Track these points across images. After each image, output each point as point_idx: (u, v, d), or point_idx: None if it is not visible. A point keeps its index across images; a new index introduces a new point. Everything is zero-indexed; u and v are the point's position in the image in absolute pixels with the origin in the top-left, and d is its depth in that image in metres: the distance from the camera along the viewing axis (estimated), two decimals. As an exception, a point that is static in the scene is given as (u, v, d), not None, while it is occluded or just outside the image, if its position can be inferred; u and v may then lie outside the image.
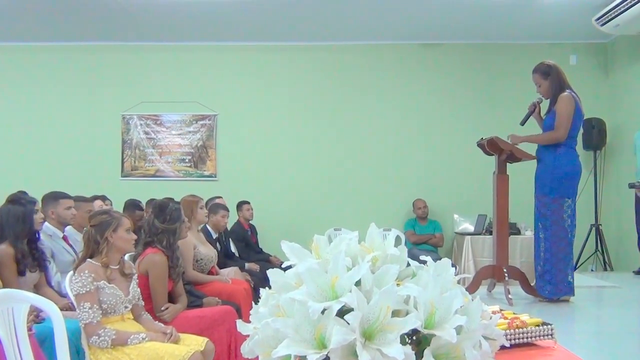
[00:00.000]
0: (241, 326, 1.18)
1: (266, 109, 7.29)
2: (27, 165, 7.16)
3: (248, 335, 1.15)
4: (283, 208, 7.12)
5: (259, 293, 4.06)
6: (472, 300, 1.09)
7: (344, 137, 7.25)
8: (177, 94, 7.23)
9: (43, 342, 2.63)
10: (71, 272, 2.73)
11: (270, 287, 1.24)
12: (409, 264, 1.17)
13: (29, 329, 2.47)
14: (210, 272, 4.14)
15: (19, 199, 3.34)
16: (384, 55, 7.26)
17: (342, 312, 0.98)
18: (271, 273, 1.17)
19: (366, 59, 7.28)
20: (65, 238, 3.86)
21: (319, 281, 1.03)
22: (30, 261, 3.24)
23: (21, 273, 3.18)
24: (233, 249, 5.71)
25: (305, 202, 7.15)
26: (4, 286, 2.97)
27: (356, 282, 1.03)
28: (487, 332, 1.09)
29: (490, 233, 5.25)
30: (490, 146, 4.37)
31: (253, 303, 1.25)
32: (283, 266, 1.17)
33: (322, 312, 0.97)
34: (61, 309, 2.55)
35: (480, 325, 1.05)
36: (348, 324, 0.95)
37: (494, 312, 1.52)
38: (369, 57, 7.28)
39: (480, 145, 4.53)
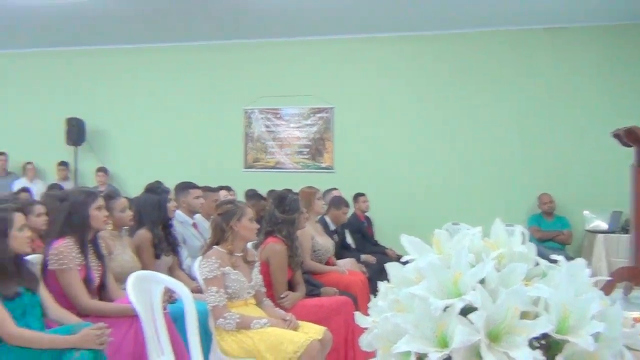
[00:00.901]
0: (359, 318, 1.18)
1: (382, 101, 7.25)
2: (162, 157, 7.77)
3: (366, 328, 1.14)
4: (399, 200, 7.06)
5: (375, 285, 4.04)
6: (612, 304, 1.00)
7: (462, 127, 7.01)
8: (295, 87, 7.43)
9: (175, 321, 2.83)
10: (200, 257, 2.91)
11: (388, 281, 1.23)
12: (537, 263, 1.09)
13: (164, 308, 2.68)
14: (327, 263, 4.21)
15: (155, 188, 3.63)
16: (504, 43, 6.89)
17: (464, 311, 0.94)
18: (390, 267, 1.15)
19: (485, 47, 6.96)
20: (194, 225, 4.13)
21: (441, 277, 1.00)
22: (165, 246, 3.52)
23: (157, 256, 3.46)
24: (349, 240, 5.76)
25: (422, 194, 7.02)
26: (143, 268, 3.25)
27: (480, 280, 0.98)
28: (630, 342, 0.99)
29: (627, 231, 4.80)
30: (629, 136, 3.98)
31: (372, 296, 1.24)
32: (402, 260, 1.14)
33: (444, 310, 0.94)
34: (191, 292, 2.75)
35: (623, 333, 0.96)
36: (472, 323, 0.91)
37: (635, 320, 1.39)
38: (488, 44, 6.95)
39: (616, 135, 4.14)
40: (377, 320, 1.06)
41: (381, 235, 6.47)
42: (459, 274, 0.98)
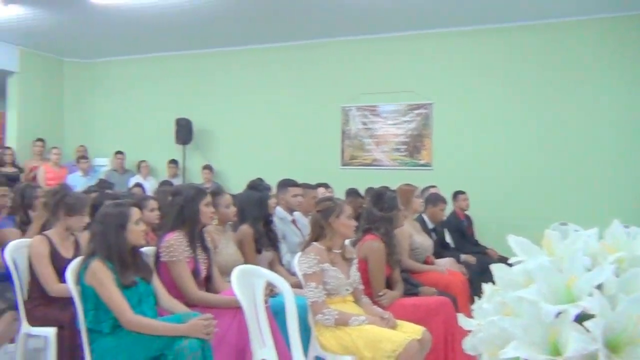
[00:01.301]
0: (463, 320, 1.15)
1: (482, 96, 7.00)
2: (262, 154, 8.04)
3: (466, 330, 1.11)
4: (501, 199, 6.78)
5: (475, 286, 3.91)
6: None
7: (568, 122, 6.59)
8: (393, 84, 7.36)
9: (276, 315, 2.91)
10: (299, 253, 2.97)
11: (493, 282, 1.19)
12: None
13: (265, 302, 2.77)
14: (425, 262, 4.13)
15: (256, 185, 3.76)
16: (607, 32, 6.39)
17: (578, 318, 0.88)
18: (496, 268, 1.11)
19: (588, 37, 6.49)
20: (294, 221, 4.22)
21: (552, 281, 0.94)
22: (266, 241, 3.63)
23: (258, 251, 3.58)
24: (448, 239, 5.62)
25: (526, 192, 6.70)
26: (245, 262, 3.38)
27: (597, 285, 0.92)
28: None
29: None
30: None
31: (476, 297, 1.20)
32: (510, 261, 1.10)
33: (556, 315, 0.89)
34: (291, 287, 2.81)
35: None
36: (588, 331, 0.85)
37: None
38: (591, 34, 6.48)
39: None
40: (482, 323, 1.02)
41: (482, 235, 6.24)
42: (574, 278, 0.92)
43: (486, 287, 1.14)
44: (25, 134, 8.61)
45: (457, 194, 6.07)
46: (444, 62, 7.21)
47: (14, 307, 3.23)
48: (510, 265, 1.11)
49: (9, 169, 7.56)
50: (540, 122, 6.72)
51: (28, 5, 6.72)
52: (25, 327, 3.17)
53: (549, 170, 6.62)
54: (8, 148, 8.06)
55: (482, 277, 4.30)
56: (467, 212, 6.15)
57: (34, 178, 7.55)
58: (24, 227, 3.81)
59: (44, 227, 3.51)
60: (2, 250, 3.34)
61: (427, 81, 7.25)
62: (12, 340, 3.72)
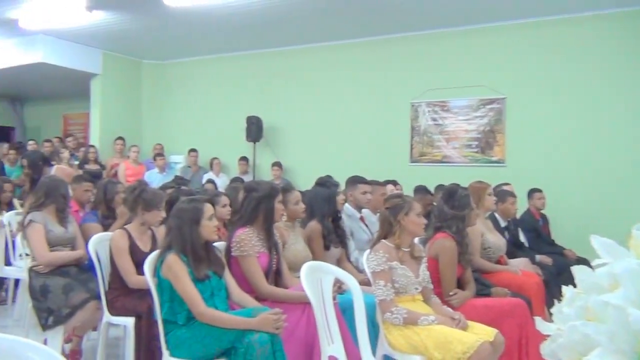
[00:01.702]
0: (541, 324, 1.09)
1: (558, 89, 6.68)
2: (331, 151, 8.07)
3: (542, 334, 1.06)
4: (580, 196, 6.46)
5: (551, 288, 3.73)
6: None
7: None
8: (464, 78, 7.18)
9: (344, 312, 2.91)
10: (368, 251, 2.95)
11: (572, 285, 1.12)
12: None
13: (333, 298, 2.77)
14: (498, 262, 4.00)
15: (325, 182, 3.77)
16: None
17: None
18: (578, 270, 1.05)
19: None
20: (362, 218, 4.21)
21: (642, 286, 0.88)
22: (334, 237, 3.64)
23: (326, 248, 3.59)
24: (522, 238, 5.41)
25: (607, 190, 6.34)
26: (313, 258, 3.40)
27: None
28: None
29: None
30: None
31: (552, 300, 1.15)
32: (593, 264, 1.03)
33: (646, 323, 0.83)
34: (359, 284, 2.80)
35: None
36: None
37: None
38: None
39: None
40: (562, 328, 0.97)
41: (558, 235, 5.97)
42: (665, 283, 0.85)
43: (566, 290, 1.08)
44: (107, 132, 9.10)
45: (532, 192, 5.82)
46: (516, 55, 6.94)
47: (97, 297, 3.41)
48: (592, 267, 1.05)
49: (92, 166, 8.02)
50: (622, 115, 6.34)
51: (110, 11, 7.08)
52: (107, 316, 3.34)
53: (632, 166, 6.23)
54: (92, 146, 8.55)
55: (559, 279, 4.16)
56: (542, 211, 5.90)
57: (115, 175, 7.96)
58: (105, 221, 4.02)
59: (124, 222, 3.69)
60: (87, 243, 3.54)
61: (499, 75, 7.01)
62: (94, 328, 3.95)
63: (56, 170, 5.28)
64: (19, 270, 4.22)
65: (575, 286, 1.10)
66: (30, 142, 8.94)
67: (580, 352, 0.90)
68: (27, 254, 3.90)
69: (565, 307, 1.03)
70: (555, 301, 1.13)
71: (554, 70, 6.71)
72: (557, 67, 6.69)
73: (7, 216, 4.78)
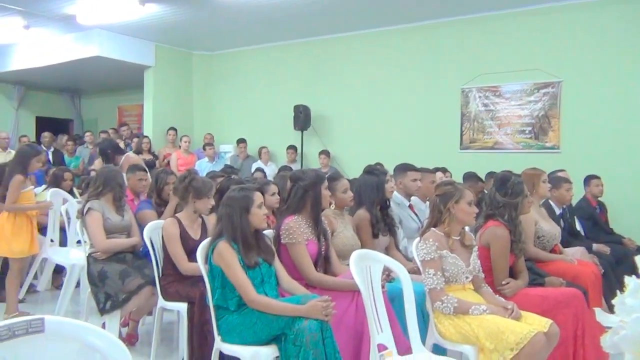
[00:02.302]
0: (601, 316, 1.05)
1: (617, 72, 6.40)
2: (379, 138, 8.01)
3: (599, 325, 1.02)
4: (639, 184, 6.17)
5: (608, 278, 3.60)
6: None
7: None
8: (517, 62, 6.96)
9: (393, 300, 2.90)
10: (418, 239, 2.92)
11: (635, 275, 1.07)
12: None
13: (382, 287, 2.76)
14: (552, 251, 3.88)
15: (373, 170, 3.74)
16: None
17: None
18: (642, 260, 1.00)
19: None
20: (411, 207, 4.16)
21: None
22: (382, 226, 3.61)
23: (375, 236, 3.57)
24: (578, 227, 5.23)
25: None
26: (362, 246, 3.39)
27: None
28: None
29: None
30: None
31: (614, 291, 1.10)
32: (659, 254, 0.98)
33: None
34: (408, 272, 2.77)
35: None
36: None
37: None
38: None
39: None
40: (625, 320, 0.93)
41: (617, 223, 5.74)
42: None
43: (629, 281, 1.03)
44: (160, 123, 9.34)
45: (589, 179, 5.61)
46: (572, 37, 6.67)
47: (152, 283, 3.52)
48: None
49: (146, 156, 8.25)
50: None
51: (162, 4, 7.24)
52: (161, 302, 3.44)
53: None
54: (145, 137, 8.80)
55: (617, 269, 4.00)
56: (600, 199, 5.67)
57: (168, 164, 8.18)
58: (158, 209, 4.13)
59: (175, 210, 3.78)
60: (142, 230, 3.66)
61: (554, 58, 6.76)
62: (150, 313, 4.08)
63: (125, 158, 5.48)
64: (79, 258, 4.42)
65: (637, 276, 1.05)
66: (87, 134, 9.29)
67: (644, 345, 0.86)
68: (85, 241, 4.05)
69: (629, 298, 0.98)
70: (616, 292, 1.09)
71: (611, 52, 6.42)
72: (615, 48, 6.39)
73: (67, 205, 4.99)
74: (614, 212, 5.85)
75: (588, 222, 5.39)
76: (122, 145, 8.08)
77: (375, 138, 8.06)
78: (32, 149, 4.53)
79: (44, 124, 11.46)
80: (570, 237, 4.71)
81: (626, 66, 6.33)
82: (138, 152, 8.41)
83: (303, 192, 3.12)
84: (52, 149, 8.83)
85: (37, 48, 9.23)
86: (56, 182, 5.68)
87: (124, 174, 4.53)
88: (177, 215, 3.52)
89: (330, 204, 3.41)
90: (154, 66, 9.39)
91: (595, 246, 4.83)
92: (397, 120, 7.92)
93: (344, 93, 8.46)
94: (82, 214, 3.83)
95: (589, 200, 5.54)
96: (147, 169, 4.93)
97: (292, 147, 8.57)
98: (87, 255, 3.83)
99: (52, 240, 4.98)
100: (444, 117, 7.55)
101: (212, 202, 3.56)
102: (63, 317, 1.39)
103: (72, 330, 1.37)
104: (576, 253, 4.20)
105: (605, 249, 4.84)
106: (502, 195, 3.18)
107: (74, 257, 4.61)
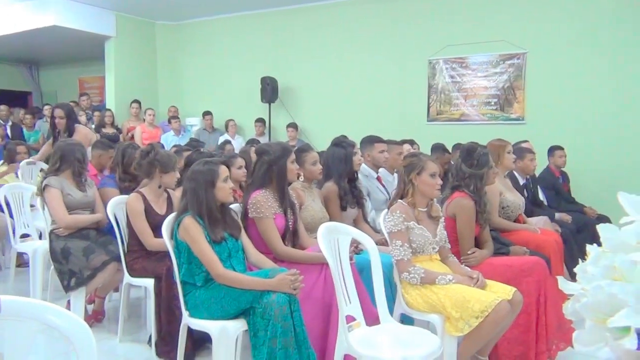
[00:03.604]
0: (564, 284, 1.06)
1: (582, 43, 6.46)
2: (346, 110, 7.98)
3: (560, 292, 1.03)
4: (601, 155, 6.34)
5: (570, 246, 3.67)
6: None
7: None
8: (483, 34, 6.98)
9: (361, 272, 2.91)
10: (385, 211, 2.93)
11: (594, 243, 1.09)
12: None
13: (350, 258, 2.77)
14: (516, 220, 3.95)
15: (341, 142, 3.72)
16: None
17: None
18: (604, 228, 1.01)
19: None
20: (378, 178, 4.17)
21: (672, 244, 0.84)
22: (350, 198, 3.61)
23: (343, 208, 3.57)
24: (541, 196, 5.34)
25: (628, 149, 6.20)
26: (330, 219, 3.39)
27: None
28: None
29: None
30: None
31: (575, 259, 1.11)
32: (621, 222, 0.99)
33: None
34: (376, 244, 2.79)
35: None
36: None
37: None
38: None
39: None
40: (587, 287, 0.94)
41: (579, 192, 5.88)
42: (698, 241, 0.81)
43: (591, 249, 1.04)
44: (123, 96, 9.09)
45: (553, 149, 5.71)
46: (538, 8, 6.70)
47: (117, 259, 3.46)
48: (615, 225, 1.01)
49: (109, 130, 8.05)
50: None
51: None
52: (127, 278, 3.39)
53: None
54: (108, 110, 8.56)
55: (578, 237, 4.09)
56: (563, 169, 5.80)
57: (132, 138, 7.99)
58: (122, 184, 4.03)
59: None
60: (105, 206, 3.57)
61: (520, 29, 6.80)
62: (116, 290, 4.02)
63: (78, 130, 5.28)
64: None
65: (598, 244, 1.06)
66: (46, 107, 8.98)
67: (605, 312, 0.87)
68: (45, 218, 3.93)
69: (590, 266, 0.99)
70: (577, 259, 1.10)
71: (576, 24, 6.48)
72: (580, 20, 6.46)
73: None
74: (576, 182, 5.99)
75: (551, 191, 5.50)
76: (83, 118, 7.84)
77: (343, 110, 8.03)
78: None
79: (1, 96, 11.03)
80: (533, 207, 4.81)
81: (591, 38, 6.41)
82: (101, 125, 8.19)
83: (267, 166, 3.09)
84: (10, 123, 8.51)
85: (-11, 17, 8.82)
86: (10, 157, 5.48)
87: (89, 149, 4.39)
88: (141, 190, 3.44)
89: (298, 176, 3.38)
90: (115, 36, 9.08)
91: (557, 215, 4.95)
92: (365, 92, 7.89)
93: (311, 65, 8.36)
94: (40, 192, 3.71)
95: (552, 171, 5.66)
96: (111, 145, 4.80)
97: (260, 120, 8.47)
98: (49, 232, 3.73)
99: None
100: (412, 89, 7.55)
101: (178, 175, 3.49)
102: (19, 297, 1.35)
103: (29, 309, 1.32)
104: (539, 222, 4.30)
105: (567, 217, 4.97)
106: (467, 166, 3.21)
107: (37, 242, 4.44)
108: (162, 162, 3.39)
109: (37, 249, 4.17)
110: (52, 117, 5.40)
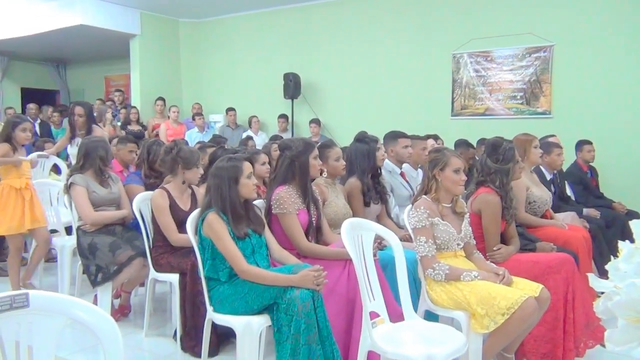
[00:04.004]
0: (594, 281, 1.04)
1: (610, 36, 6.31)
2: (370, 106, 7.94)
3: (590, 290, 1.00)
4: (629, 149, 6.19)
5: (598, 242, 3.59)
6: None
7: None
8: (509, 26, 6.86)
9: (385, 268, 2.89)
10: (409, 207, 2.90)
11: (623, 239, 1.05)
12: None
13: (374, 255, 2.75)
14: (544, 216, 3.88)
15: (364, 138, 3.70)
16: None
17: None
18: (636, 225, 0.98)
19: None
20: (402, 174, 4.14)
21: None
22: (374, 194, 3.59)
23: (366, 204, 3.55)
24: (569, 191, 5.24)
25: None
26: (354, 215, 3.37)
27: None
28: None
29: None
30: None
31: (604, 255, 1.08)
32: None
33: None
34: (400, 240, 2.76)
35: None
36: None
37: None
38: None
39: None
40: (619, 285, 0.91)
41: (608, 187, 5.76)
42: None
43: (623, 246, 1.01)
44: (148, 93, 9.19)
45: (581, 144, 5.58)
46: (565, 0, 6.56)
47: (142, 255, 3.50)
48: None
49: (134, 127, 8.15)
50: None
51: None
52: (152, 273, 3.43)
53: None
54: (133, 107, 8.67)
55: (607, 233, 4.00)
56: (591, 164, 5.67)
57: (157, 135, 8.08)
58: (147, 181, 4.08)
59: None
60: (131, 202, 3.61)
61: (547, 22, 6.67)
62: (142, 284, 4.08)
63: (95, 131, 5.36)
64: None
65: (628, 240, 1.03)
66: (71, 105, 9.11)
67: (639, 310, 0.84)
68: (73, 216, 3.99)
69: (623, 263, 0.96)
70: (608, 256, 1.07)
71: (604, 16, 6.33)
72: (608, 12, 6.30)
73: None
74: (604, 177, 5.86)
75: (578, 186, 5.40)
76: (109, 115, 7.95)
77: (366, 106, 7.99)
78: (15, 118, 4.44)
79: (29, 95, 11.26)
80: (560, 202, 4.72)
81: (619, 30, 6.26)
82: (126, 122, 8.30)
83: (290, 161, 3.09)
84: (38, 121, 8.69)
85: (18, 17, 8.99)
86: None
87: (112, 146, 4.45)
88: (165, 186, 3.47)
89: (321, 172, 3.37)
90: (139, 35, 9.19)
91: (585, 210, 4.85)
92: (388, 87, 7.83)
93: (334, 60, 8.34)
94: (67, 189, 3.77)
95: (580, 165, 5.54)
96: (136, 141, 4.85)
97: (283, 116, 8.48)
98: (76, 228, 3.79)
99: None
100: (435, 83, 7.47)
101: (201, 171, 3.51)
102: (48, 292, 1.37)
103: (57, 304, 1.35)
104: (567, 218, 4.21)
105: (595, 213, 4.86)
106: (493, 162, 3.15)
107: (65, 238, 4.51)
108: (185, 158, 3.41)
109: (65, 244, 4.23)
110: (72, 114, 5.49)
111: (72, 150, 5.43)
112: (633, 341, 0.87)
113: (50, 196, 4.67)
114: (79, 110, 5.41)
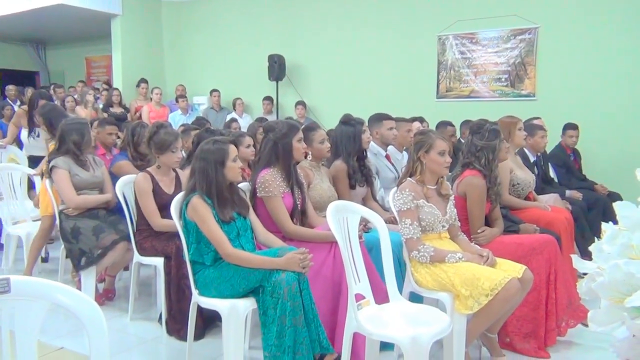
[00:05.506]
0: (578, 262, 1.04)
1: (595, 18, 6.32)
2: (355, 88, 7.90)
3: (571, 270, 1.01)
4: (613, 132, 6.25)
5: (580, 223, 3.64)
6: None
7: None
8: (494, 8, 6.85)
9: (370, 250, 2.91)
10: (394, 189, 2.91)
11: (606, 221, 1.06)
12: None
13: (359, 237, 2.76)
14: (527, 198, 3.92)
15: (350, 120, 3.68)
16: None
17: None
18: (621, 206, 0.99)
19: None
20: (387, 157, 4.14)
21: (693, 222, 0.81)
22: (359, 176, 3.59)
23: (352, 187, 3.55)
24: (552, 174, 5.28)
25: (640, 124, 6.12)
26: (339, 198, 3.37)
27: None
28: None
29: None
30: None
31: (586, 236, 1.09)
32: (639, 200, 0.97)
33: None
34: (385, 222, 2.77)
35: None
36: None
37: None
38: None
39: None
40: (603, 266, 0.92)
41: (590, 169, 5.82)
42: None
43: (606, 227, 1.02)
44: (130, 75, 9.05)
45: (567, 128, 5.61)
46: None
47: (126, 238, 3.47)
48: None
49: (116, 109, 8.03)
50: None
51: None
52: (137, 257, 3.41)
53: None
54: (115, 89, 8.53)
55: (589, 215, 4.05)
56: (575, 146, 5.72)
57: (140, 117, 7.97)
58: (134, 162, 4.03)
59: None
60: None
61: (532, 3, 6.67)
62: (126, 268, 4.05)
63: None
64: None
65: (610, 222, 1.04)
66: (59, 90, 8.91)
67: (622, 291, 0.85)
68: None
69: (606, 244, 0.97)
70: (591, 237, 1.08)
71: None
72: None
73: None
74: (587, 159, 5.92)
75: (561, 169, 5.44)
76: (90, 97, 7.82)
77: (352, 88, 7.95)
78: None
79: (8, 76, 11.02)
80: (543, 184, 4.76)
81: (605, 12, 6.27)
82: (108, 105, 8.17)
83: (273, 144, 3.07)
84: (17, 103, 8.51)
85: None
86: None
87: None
88: (148, 169, 3.43)
89: (306, 155, 3.35)
90: (121, 15, 9.01)
91: (568, 192, 4.90)
92: (374, 69, 7.80)
93: (319, 42, 8.27)
94: (48, 173, 3.71)
95: (563, 147, 5.58)
96: (116, 123, 4.78)
97: (267, 98, 8.41)
98: (58, 212, 3.75)
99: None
100: (421, 65, 7.46)
101: (179, 155, 3.46)
102: (29, 277, 1.35)
103: (39, 289, 1.33)
104: (549, 199, 4.25)
105: (577, 195, 4.92)
106: (479, 139, 3.16)
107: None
108: (157, 142, 3.36)
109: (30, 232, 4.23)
110: (34, 108, 5.23)
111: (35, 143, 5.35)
112: (616, 321, 0.88)
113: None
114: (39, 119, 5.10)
